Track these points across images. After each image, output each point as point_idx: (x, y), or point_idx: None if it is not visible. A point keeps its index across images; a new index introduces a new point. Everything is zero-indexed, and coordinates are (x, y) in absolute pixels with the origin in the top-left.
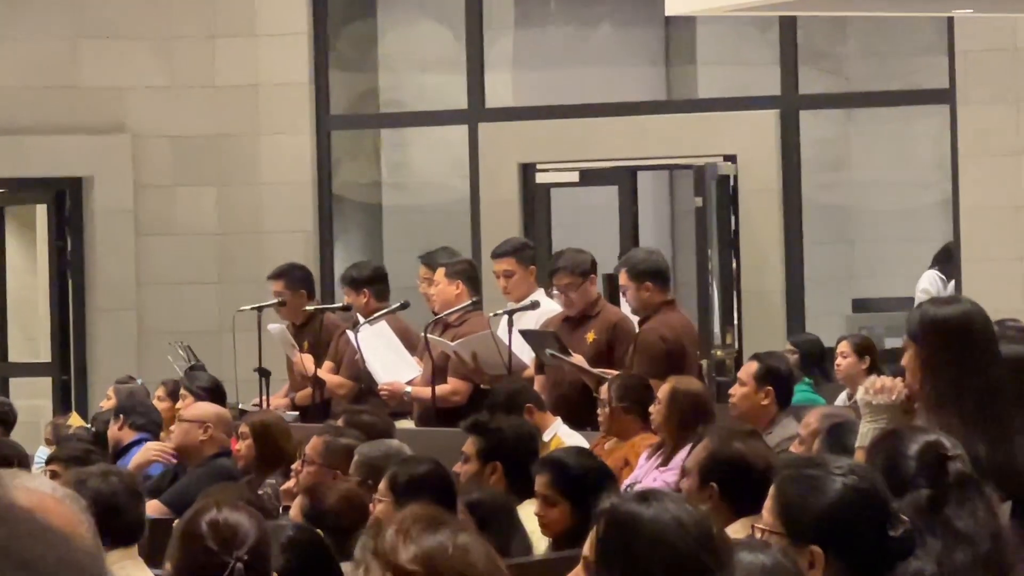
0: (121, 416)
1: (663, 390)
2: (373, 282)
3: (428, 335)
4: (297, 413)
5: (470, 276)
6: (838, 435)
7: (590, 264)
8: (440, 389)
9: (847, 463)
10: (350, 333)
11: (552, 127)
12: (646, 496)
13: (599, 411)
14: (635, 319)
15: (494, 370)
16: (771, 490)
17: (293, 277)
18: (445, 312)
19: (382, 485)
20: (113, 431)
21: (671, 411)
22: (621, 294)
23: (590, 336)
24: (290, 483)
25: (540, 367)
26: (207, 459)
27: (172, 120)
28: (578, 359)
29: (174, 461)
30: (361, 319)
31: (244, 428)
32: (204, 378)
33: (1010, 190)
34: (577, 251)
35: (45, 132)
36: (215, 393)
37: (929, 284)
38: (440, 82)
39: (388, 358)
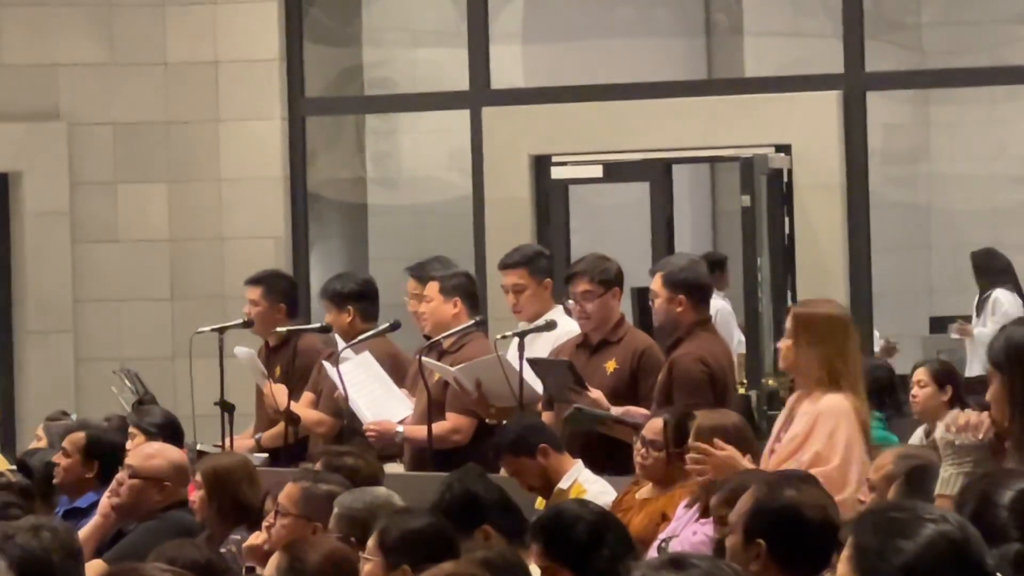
0: (93, 460)
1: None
2: (360, 298)
3: (423, 359)
4: (266, 455)
5: (469, 292)
6: (918, 480)
7: (615, 274)
8: (438, 427)
9: (940, 510)
10: (327, 365)
11: (570, 112)
12: (679, 561)
13: (640, 453)
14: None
15: (501, 401)
16: (849, 539)
17: (274, 287)
18: (440, 335)
19: (371, 542)
20: (71, 466)
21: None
22: (650, 301)
23: (610, 365)
24: (258, 538)
25: (549, 402)
26: (158, 511)
27: (114, 104)
28: (596, 395)
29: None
30: (341, 343)
31: (197, 476)
32: (156, 413)
33: None
34: (601, 257)
35: None
36: (169, 431)
37: (1011, 306)
38: (436, 58)
39: (375, 394)
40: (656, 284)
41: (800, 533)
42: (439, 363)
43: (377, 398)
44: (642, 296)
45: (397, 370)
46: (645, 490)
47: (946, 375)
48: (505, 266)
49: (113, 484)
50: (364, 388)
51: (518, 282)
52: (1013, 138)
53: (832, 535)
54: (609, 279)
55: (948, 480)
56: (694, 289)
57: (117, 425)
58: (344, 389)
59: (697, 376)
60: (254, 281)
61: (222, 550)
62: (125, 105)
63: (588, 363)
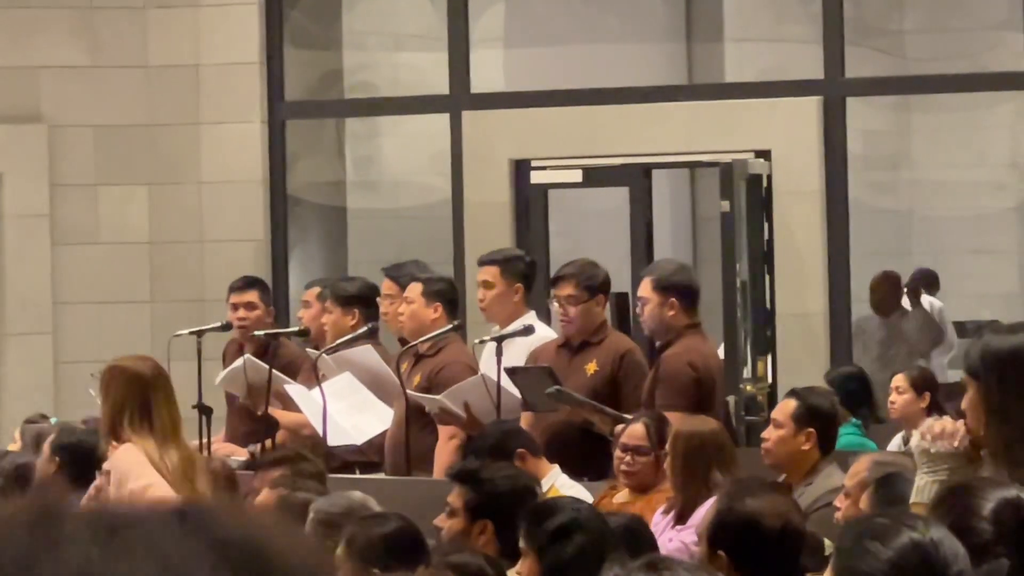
0: (57, 458)
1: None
2: (367, 302)
3: (409, 392)
4: (244, 458)
5: (451, 299)
6: (892, 487)
7: (601, 281)
8: (444, 447)
9: (923, 518)
10: (290, 389)
11: (550, 116)
12: (655, 564)
13: (626, 460)
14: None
15: (484, 418)
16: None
17: (266, 289)
18: (418, 339)
19: (339, 549)
20: (43, 467)
21: (673, 458)
22: (639, 308)
23: (590, 367)
24: None
25: (528, 404)
26: None
27: (95, 107)
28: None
29: None
30: (314, 352)
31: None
32: None
33: None
34: (590, 263)
35: None
36: None
37: None
38: (417, 62)
39: (355, 413)
40: (645, 290)
41: (760, 543)
42: (423, 395)
43: (361, 418)
44: (621, 301)
45: (387, 376)
46: (622, 495)
47: (924, 382)
48: (482, 262)
49: (91, 490)
50: (344, 407)
51: (487, 279)
52: (994, 145)
53: (796, 542)
54: (594, 286)
55: (923, 488)
56: (685, 292)
57: (94, 428)
58: (325, 408)
59: (681, 378)
60: (247, 285)
61: None
62: (106, 108)
63: (569, 364)
